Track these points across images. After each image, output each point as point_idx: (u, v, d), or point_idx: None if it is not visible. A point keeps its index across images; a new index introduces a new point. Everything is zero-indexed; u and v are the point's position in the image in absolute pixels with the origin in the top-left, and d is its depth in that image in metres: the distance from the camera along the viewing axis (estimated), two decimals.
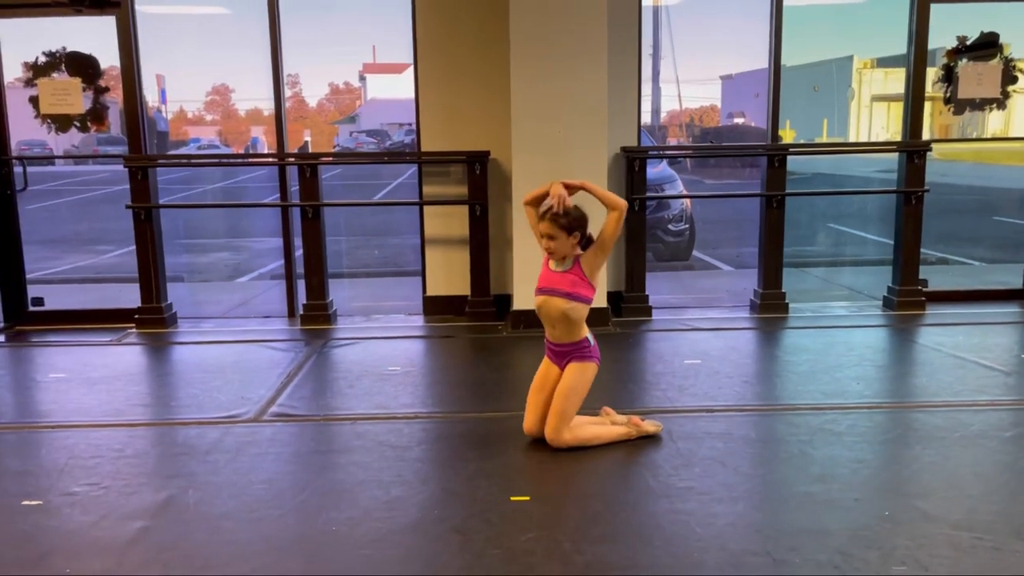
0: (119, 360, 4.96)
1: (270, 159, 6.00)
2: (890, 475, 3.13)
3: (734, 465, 3.17)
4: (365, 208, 13.43)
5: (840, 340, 5.02)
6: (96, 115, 5.92)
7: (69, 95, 5.84)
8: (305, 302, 5.74)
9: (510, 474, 3.15)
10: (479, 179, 5.61)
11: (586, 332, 3.34)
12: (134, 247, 5.72)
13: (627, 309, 5.71)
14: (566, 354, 3.35)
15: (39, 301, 5.99)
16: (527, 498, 2.90)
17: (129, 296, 5.96)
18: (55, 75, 5.84)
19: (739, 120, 26.98)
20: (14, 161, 5.85)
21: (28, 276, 6.04)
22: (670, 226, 9.29)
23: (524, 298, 5.39)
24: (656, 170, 8.78)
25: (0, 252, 5.85)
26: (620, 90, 5.59)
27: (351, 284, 8.03)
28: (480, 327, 5.54)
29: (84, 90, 5.85)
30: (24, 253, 5.96)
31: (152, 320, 5.66)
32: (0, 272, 5.87)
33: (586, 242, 3.32)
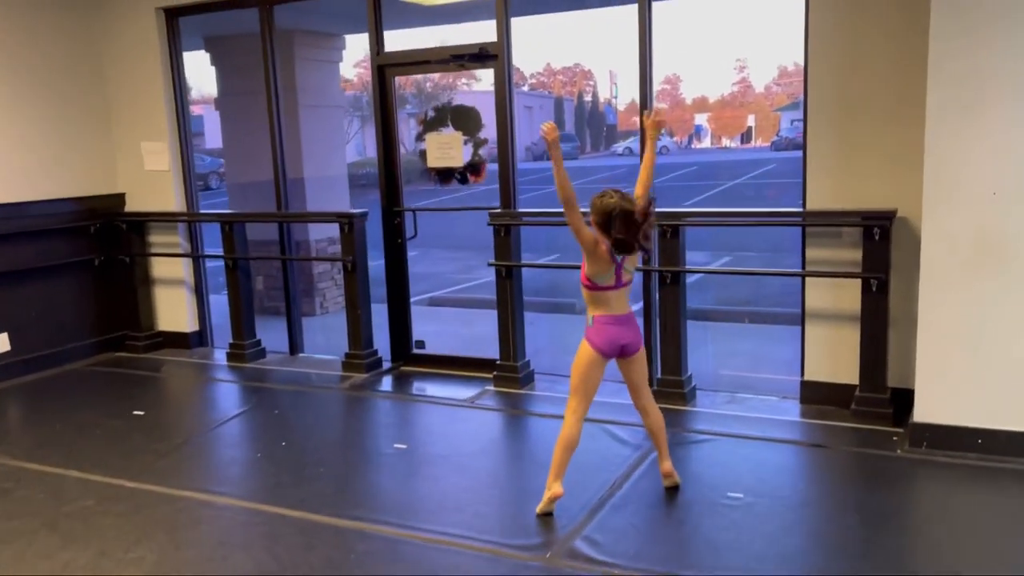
0: (462, 431, 4.85)
1: None
2: None
3: None
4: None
5: None
6: (474, 168, 5.99)
7: (451, 148, 5.98)
8: (660, 376, 5.12)
9: None
10: (879, 245, 4.41)
11: (592, 313, 3.55)
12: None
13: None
14: None
15: (421, 344, 6.29)
16: None
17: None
18: (442, 129, 6.03)
19: None
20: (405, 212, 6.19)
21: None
22: None
23: (933, 404, 4.11)
24: None
25: (391, 297, 6.26)
26: None
27: (717, 332, 7.21)
28: (868, 433, 4.38)
29: (465, 143, 5.96)
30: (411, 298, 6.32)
31: (508, 379, 5.54)
32: (391, 316, 6.27)
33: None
